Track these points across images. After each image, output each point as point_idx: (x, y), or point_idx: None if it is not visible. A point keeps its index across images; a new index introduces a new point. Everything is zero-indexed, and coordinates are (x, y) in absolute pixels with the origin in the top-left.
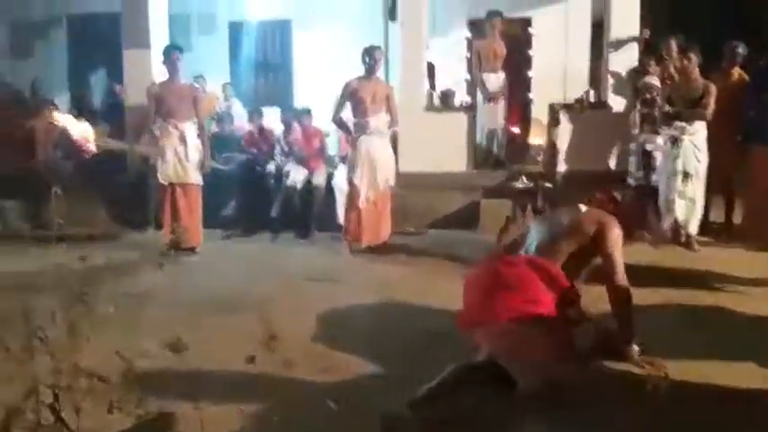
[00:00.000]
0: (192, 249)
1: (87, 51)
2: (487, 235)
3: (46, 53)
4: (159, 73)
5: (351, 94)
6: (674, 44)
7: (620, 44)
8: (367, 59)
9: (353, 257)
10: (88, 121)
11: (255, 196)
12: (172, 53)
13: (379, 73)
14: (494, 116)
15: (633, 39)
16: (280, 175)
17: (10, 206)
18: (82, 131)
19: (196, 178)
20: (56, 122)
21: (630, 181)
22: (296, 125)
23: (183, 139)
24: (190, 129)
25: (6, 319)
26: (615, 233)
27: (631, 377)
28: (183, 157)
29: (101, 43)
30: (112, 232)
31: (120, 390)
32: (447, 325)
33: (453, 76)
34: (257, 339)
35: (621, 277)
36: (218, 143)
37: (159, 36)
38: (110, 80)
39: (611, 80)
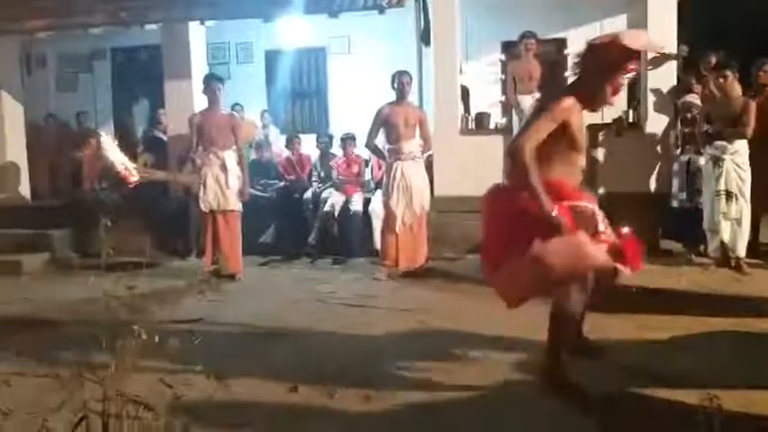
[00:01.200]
0: (233, 276)
1: (130, 83)
2: None
3: (90, 86)
4: (200, 102)
5: (383, 120)
6: (713, 61)
7: (657, 62)
8: (395, 85)
9: (391, 282)
10: (132, 151)
11: (293, 222)
12: (212, 84)
13: (412, 98)
14: None
15: (671, 56)
16: (317, 201)
17: (58, 235)
18: (125, 162)
19: (236, 205)
20: (101, 153)
21: (674, 203)
22: (335, 151)
23: (223, 167)
24: (230, 157)
25: (57, 347)
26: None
27: (682, 408)
28: (223, 184)
29: (143, 75)
30: (157, 260)
31: (166, 417)
32: (487, 352)
33: (488, 98)
34: (299, 367)
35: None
36: (256, 170)
37: (199, 66)
38: (152, 111)
39: (650, 99)
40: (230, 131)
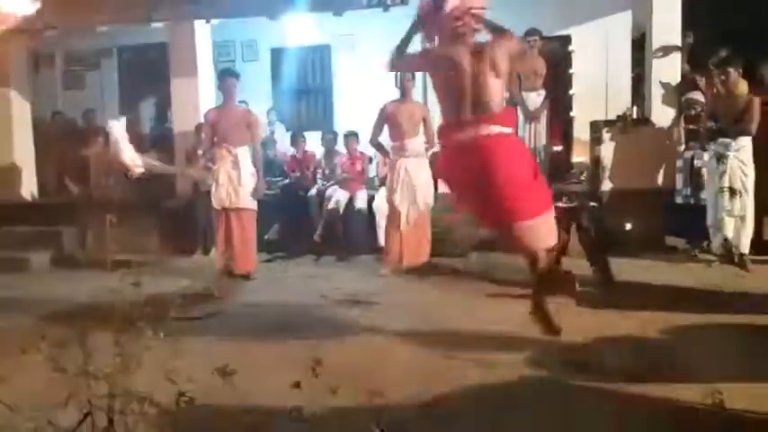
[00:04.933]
0: (247, 276)
1: (137, 81)
2: None
3: (98, 83)
4: (206, 100)
5: (387, 117)
6: (722, 56)
7: (662, 57)
8: (399, 82)
9: (394, 279)
10: (138, 147)
11: (298, 219)
12: (228, 79)
13: (417, 95)
14: (535, 135)
15: (676, 48)
16: (322, 198)
17: (66, 232)
18: (131, 153)
19: (249, 203)
20: (109, 145)
21: (678, 199)
22: (340, 148)
23: (236, 164)
24: (243, 154)
25: (62, 343)
26: None
27: (682, 406)
28: (235, 181)
29: (149, 72)
30: (162, 258)
31: (171, 414)
32: (490, 350)
33: None
34: (302, 364)
35: None
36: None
37: (205, 64)
38: (159, 108)
39: (655, 96)
40: (245, 127)
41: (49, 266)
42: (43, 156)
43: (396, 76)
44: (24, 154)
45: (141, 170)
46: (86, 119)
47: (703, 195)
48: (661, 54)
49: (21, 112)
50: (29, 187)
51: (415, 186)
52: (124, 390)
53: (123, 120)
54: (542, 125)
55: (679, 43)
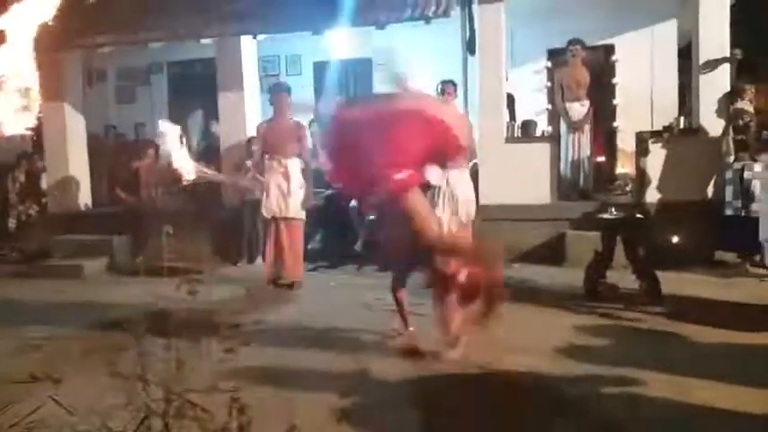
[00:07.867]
0: (292, 285)
1: (185, 95)
2: (574, 269)
3: (148, 98)
4: (252, 113)
5: None
6: None
7: (710, 67)
8: (440, 94)
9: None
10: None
11: (340, 229)
12: (280, 93)
13: (457, 106)
14: (579, 146)
15: (724, 60)
16: None
17: (117, 241)
18: (183, 159)
19: (298, 213)
20: (160, 155)
21: (728, 211)
22: None
23: (286, 175)
24: (293, 165)
25: (121, 349)
26: None
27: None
28: (285, 192)
29: (197, 87)
30: (210, 266)
31: (222, 420)
32: (532, 362)
33: (534, 106)
34: (349, 376)
35: None
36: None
37: (250, 78)
38: (206, 121)
39: (702, 106)
40: (296, 140)
41: (101, 274)
42: (96, 168)
43: (436, 87)
44: (79, 166)
45: (192, 176)
46: (137, 132)
47: (755, 207)
48: (709, 66)
49: (75, 125)
50: (83, 198)
51: (457, 198)
52: (179, 395)
53: (177, 127)
54: (586, 136)
55: (727, 52)
